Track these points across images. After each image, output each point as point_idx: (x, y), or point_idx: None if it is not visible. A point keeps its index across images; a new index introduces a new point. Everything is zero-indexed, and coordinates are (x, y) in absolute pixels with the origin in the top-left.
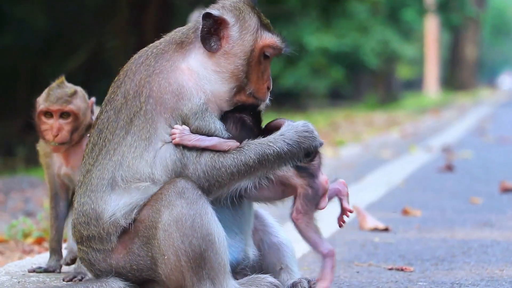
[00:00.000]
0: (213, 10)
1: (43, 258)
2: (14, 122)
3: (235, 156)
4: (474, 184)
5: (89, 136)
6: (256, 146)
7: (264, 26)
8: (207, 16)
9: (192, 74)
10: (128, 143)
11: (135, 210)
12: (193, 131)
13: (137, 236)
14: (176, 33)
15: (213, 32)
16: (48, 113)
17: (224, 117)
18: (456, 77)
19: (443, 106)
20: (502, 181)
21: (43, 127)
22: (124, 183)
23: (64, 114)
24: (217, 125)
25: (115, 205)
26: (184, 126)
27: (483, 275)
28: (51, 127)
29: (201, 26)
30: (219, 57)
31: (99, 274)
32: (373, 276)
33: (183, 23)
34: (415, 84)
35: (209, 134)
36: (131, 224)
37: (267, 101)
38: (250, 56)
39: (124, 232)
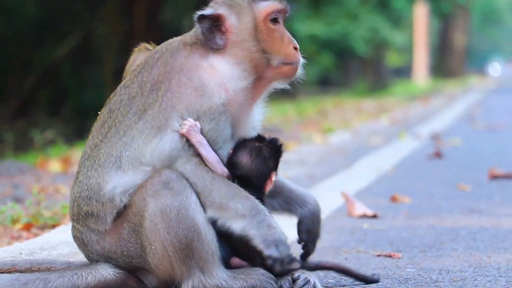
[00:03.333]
0: (206, 10)
1: (31, 244)
2: (3, 108)
3: (218, 182)
4: (463, 171)
5: (99, 113)
6: (247, 200)
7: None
8: (201, 18)
9: (213, 72)
10: (139, 128)
11: (131, 190)
12: (203, 133)
13: (126, 221)
14: (186, 36)
15: (216, 30)
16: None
17: (242, 144)
18: (445, 64)
19: (432, 93)
20: (491, 168)
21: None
22: (130, 163)
23: None
24: (227, 132)
25: (117, 181)
26: (197, 122)
27: (471, 261)
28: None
29: (200, 30)
30: (231, 50)
31: (91, 256)
32: (361, 263)
33: (174, 10)
34: (404, 71)
35: (217, 141)
36: (123, 208)
37: (301, 61)
38: (257, 33)
39: (118, 216)
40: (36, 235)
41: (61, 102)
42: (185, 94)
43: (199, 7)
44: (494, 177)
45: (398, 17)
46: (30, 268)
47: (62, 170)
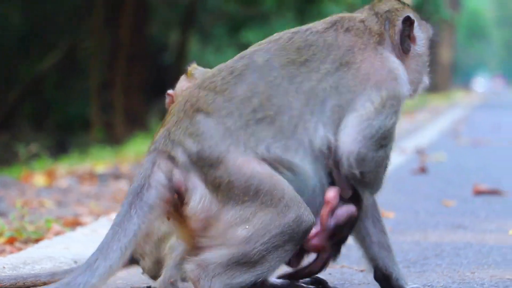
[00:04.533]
0: (409, 13)
1: (15, 258)
2: None
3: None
4: (447, 187)
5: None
6: None
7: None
8: (407, 19)
9: (400, 68)
10: (337, 80)
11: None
12: (385, 123)
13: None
14: (369, 21)
15: (406, 36)
16: None
17: None
18: (430, 79)
19: (417, 108)
20: (475, 184)
21: None
22: (335, 113)
23: None
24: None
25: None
26: None
27: (454, 277)
28: None
29: (401, 29)
30: (409, 60)
31: None
32: (345, 278)
33: (159, 22)
34: None
35: (392, 138)
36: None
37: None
38: (427, 52)
39: None
40: (19, 249)
41: (45, 115)
42: (379, 71)
43: (185, 21)
44: (479, 192)
45: None
46: (15, 284)
47: (46, 183)
